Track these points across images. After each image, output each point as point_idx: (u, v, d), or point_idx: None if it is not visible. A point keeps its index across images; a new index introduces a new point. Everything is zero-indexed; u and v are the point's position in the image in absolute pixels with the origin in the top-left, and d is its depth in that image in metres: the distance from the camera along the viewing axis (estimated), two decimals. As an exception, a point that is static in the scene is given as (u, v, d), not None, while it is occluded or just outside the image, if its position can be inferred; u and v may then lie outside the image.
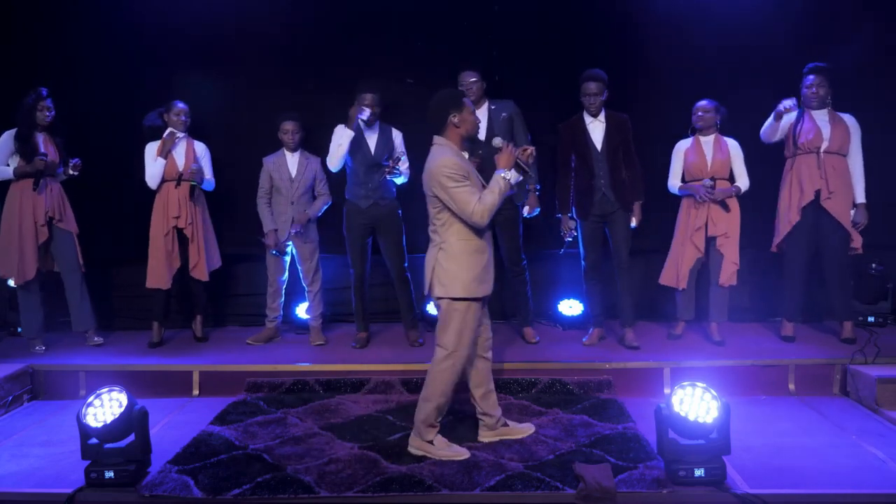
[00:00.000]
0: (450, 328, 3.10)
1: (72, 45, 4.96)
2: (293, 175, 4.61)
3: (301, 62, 5.03)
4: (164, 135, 4.58)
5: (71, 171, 4.49)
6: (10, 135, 4.43)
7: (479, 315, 3.17)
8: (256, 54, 5.02)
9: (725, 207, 4.31)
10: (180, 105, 4.61)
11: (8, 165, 4.44)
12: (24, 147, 4.39)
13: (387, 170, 4.35)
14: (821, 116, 4.30)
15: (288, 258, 4.72)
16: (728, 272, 4.34)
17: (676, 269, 4.45)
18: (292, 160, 4.64)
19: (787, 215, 4.35)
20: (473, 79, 4.32)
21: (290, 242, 4.66)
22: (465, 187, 3.00)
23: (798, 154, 4.33)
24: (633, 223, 4.38)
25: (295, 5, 4.99)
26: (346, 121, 4.39)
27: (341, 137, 4.35)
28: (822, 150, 4.26)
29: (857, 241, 4.33)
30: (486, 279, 3.14)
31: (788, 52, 4.69)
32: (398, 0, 4.92)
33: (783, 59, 4.65)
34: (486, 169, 4.32)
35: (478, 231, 3.08)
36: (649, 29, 4.84)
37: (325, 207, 4.73)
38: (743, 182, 4.34)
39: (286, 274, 4.76)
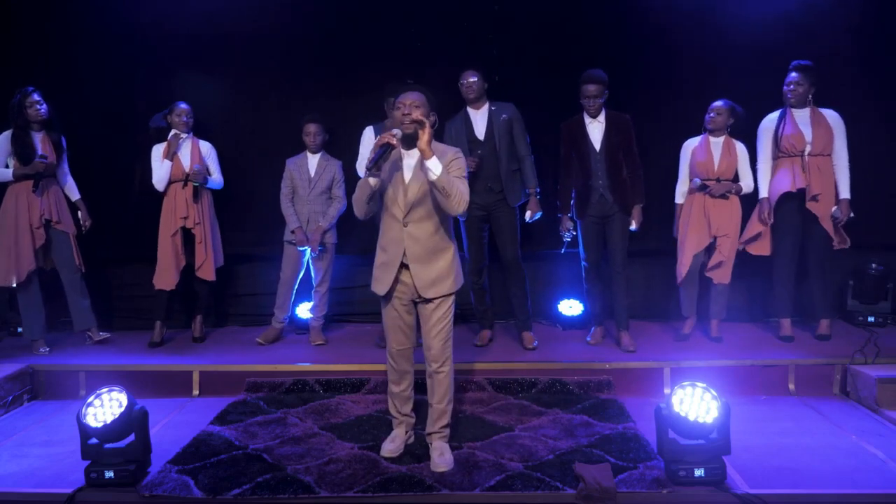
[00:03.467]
0: None
1: (72, 45, 4.96)
2: (311, 176, 4.64)
3: (298, 62, 5.03)
4: (169, 136, 4.60)
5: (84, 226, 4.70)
6: (6, 136, 4.40)
7: (393, 314, 3.13)
8: (263, 55, 5.01)
9: (727, 208, 4.31)
10: (182, 105, 4.63)
11: (8, 167, 4.42)
12: (21, 149, 4.37)
13: None
14: (802, 116, 4.29)
15: (305, 257, 4.73)
16: (719, 271, 4.33)
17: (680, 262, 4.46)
18: (313, 161, 4.67)
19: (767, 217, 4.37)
20: (473, 78, 4.31)
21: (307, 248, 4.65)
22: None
23: (781, 157, 4.34)
24: (633, 226, 4.35)
25: (294, 7, 4.99)
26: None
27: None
28: (805, 153, 4.26)
29: (837, 240, 4.30)
30: (380, 279, 3.10)
31: (794, 48, 4.63)
32: (397, 0, 4.92)
33: (790, 56, 4.62)
34: (484, 168, 4.36)
35: (388, 228, 3.04)
36: (652, 28, 4.83)
37: (340, 213, 4.71)
38: (746, 183, 4.35)
39: (302, 272, 4.75)
